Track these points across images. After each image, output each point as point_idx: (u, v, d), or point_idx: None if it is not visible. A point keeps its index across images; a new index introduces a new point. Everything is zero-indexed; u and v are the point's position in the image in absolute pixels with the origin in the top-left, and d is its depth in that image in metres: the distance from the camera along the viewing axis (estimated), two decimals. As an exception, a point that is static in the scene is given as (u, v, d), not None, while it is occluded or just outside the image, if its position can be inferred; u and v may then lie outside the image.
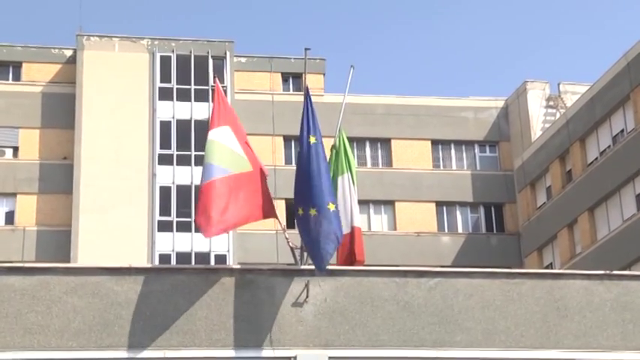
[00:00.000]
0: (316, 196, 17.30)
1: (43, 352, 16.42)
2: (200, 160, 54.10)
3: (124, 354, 16.63)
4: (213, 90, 54.29)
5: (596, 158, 49.56)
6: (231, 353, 16.85)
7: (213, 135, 17.70)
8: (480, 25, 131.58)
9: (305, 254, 17.99)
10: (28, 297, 16.95)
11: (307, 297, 17.26)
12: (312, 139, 17.57)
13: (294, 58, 58.10)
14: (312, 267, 17.62)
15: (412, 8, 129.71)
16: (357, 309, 17.30)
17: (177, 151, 56.60)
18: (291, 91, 57.05)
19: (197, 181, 55.35)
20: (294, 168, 19.19)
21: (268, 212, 17.75)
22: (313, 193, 17.32)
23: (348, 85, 22.70)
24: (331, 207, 17.35)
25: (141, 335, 16.75)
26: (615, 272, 19.68)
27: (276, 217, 18.05)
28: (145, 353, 16.67)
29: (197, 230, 17.69)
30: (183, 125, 56.89)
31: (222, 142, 17.74)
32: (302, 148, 17.96)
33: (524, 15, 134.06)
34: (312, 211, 17.35)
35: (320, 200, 17.24)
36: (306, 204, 17.25)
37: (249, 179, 17.78)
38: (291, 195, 18.57)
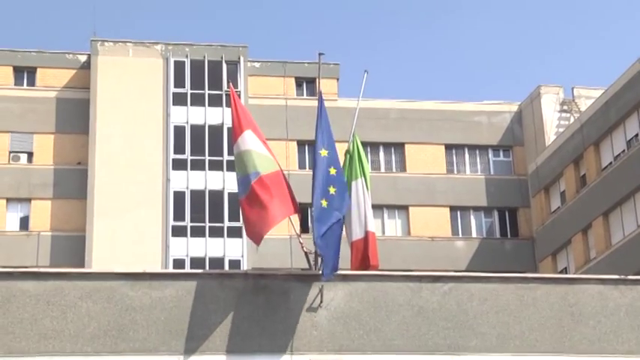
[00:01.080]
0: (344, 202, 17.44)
1: (58, 357, 16.46)
2: (214, 165, 54.52)
3: (138, 359, 16.66)
4: (227, 95, 54.54)
5: (611, 163, 49.51)
6: (246, 358, 16.88)
7: (238, 146, 17.86)
8: (493, 29, 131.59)
9: (319, 259, 18.01)
10: (43, 302, 16.98)
11: (321, 302, 17.27)
12: (324, 152, 17.61)
13: (308, 63, 58.12)
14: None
15: (426, 13, 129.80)
16: (371, 314, 17.31)
17: (191, 155, 56.63)
18: (304, 96, 57.09)
19: (211, 186, 55.71)
20: (307, 172, 19.27)
21: (296, 208, 17.80)
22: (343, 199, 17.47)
23: (362, 89, 22.67)
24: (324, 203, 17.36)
25: (156, 340, 16.78)
26: (630, 277, 19.66)
27: (299, 213, 18.12)
28: (160, 358, 16.70)
29: (246, 230, 17.59)
30: (197, 130, 56.95)
31: (248, 148, 17.73)
32: (317, 157, 18.02)
33: (537, 19, 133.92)
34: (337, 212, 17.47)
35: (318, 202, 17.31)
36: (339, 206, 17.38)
37: (277, 178, 17.81)
38: (303, 199, 18.61)
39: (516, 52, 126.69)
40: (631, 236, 46.74)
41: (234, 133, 17.91)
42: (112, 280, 17.77)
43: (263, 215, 17.33)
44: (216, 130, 56.64)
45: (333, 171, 17.79)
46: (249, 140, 17.69)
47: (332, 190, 17.70)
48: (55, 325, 16.62)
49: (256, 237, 17.36)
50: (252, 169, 17.54)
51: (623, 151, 48.23)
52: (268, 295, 17.34)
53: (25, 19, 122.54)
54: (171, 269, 48.85)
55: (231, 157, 54.58)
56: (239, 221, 54.74)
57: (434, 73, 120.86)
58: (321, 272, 17.55)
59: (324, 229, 17.07)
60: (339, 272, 17.69)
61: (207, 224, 55.46)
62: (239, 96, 21.04)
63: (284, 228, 19.90)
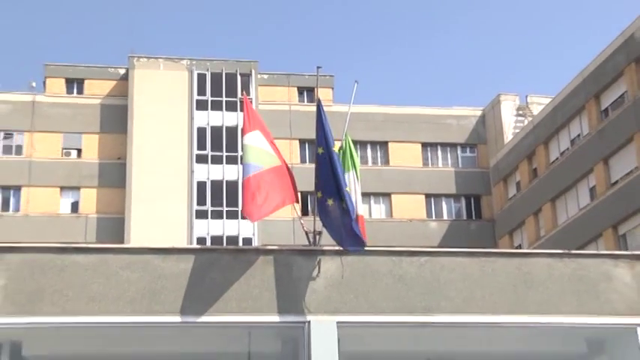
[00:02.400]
0: (333, 190, 17.54)
1: (103, 316, 16.53)
2: (230, 160, 54.48)
3: (168, 318, 16.73)
4: (241, 102, 54.58)
5: (557, 158, 49.54)
6: (256, 318, 16.94)
7: (247, 140, 17.90)
8: (462, 47, 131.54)
9: (317, 237, 18.12)
10: (91, 271, 17.06)
11: (319, 272, 17.34)
12: (320, 150, 17.78)
13: (308, 75, 58.16)
14: (323, 247, 17.75)
15: (407, 33, 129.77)
16: (359, 282, 17.39)
17: (211, 152, 56.60)
18: (305, 102, 57.09)
19: (228, 177, 55.76)
20: (308, 166, 19.38)
21: (297, 197, 17.97)
22: (331, 188, 17.58)
23: (352, 97, 22.83)
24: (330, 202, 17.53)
25: (182, 303, 16.85)
26: (572, 252, 19.76)
27: (299, 202, 18.26)
28: (186, 318, 16.76)
29: (243, 217, 17.87)
30: (216, 131, 56.94)
31: (254, 144, 17.95)
32: (318, 155, 18.18)
33: (498, 37, 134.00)
34: (330, 201, 17.57)
35: (334, 193, 17.44)
36: (326, 194, 17.48)
37: (279, 172, 18.06)
38: (304, 188, 18.72)
39: (480, 65, 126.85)
40: (573, 218, 46.82)
41: (244, 129, 18.07)
42: (147, 254, 17.85)
43: (264, 200, 17.50)
44: (232, 131, 56.68)
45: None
46: (256, 138, 17.96)
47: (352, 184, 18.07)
48: (101, 290, 16.69)
49: (250, 215, 17.41)
50: (255, 162, 17.75)
51: (568, 148, 48.29)
52: (275, 266, 17.41)
53: (75, 39, 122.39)
54: (195, 245, 48.87)
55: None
56: (250, 206, 54.76)
57: (412, 83, 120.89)
58: (318, 247, 17.70)
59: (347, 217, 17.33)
60: (334, 248, 17.81)
61: (225, 208, 55.47)
62: (251, 102, 21.24)
63: (288, 212, 19.93)
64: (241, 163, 18.03)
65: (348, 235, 17.42)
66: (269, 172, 17.92)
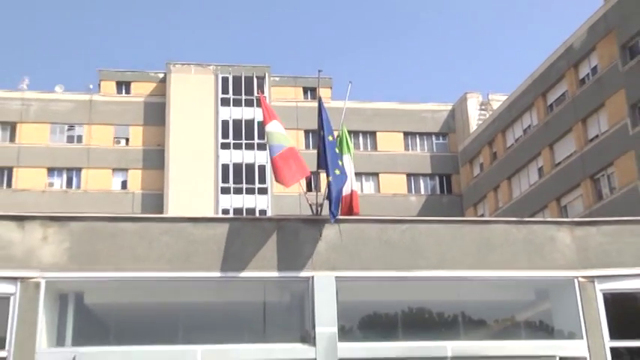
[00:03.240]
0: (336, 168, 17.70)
1: (146, 272, 16.51)
2: (248, 146, 54.42)
3: (198, 274, 16.71)
4: (257, 99, 54.65)
5: (512, 144, 49.61)
6: (269, 274, 16.92)
7: (268, 128, 18.32)
8: (435, 54, 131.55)
9: (319, 208, 18.12)
10: (137, 236, 17.05)
11: (320, 237, 17.32)
12: (331, 138, 18.08)
13: (311, 77, 58.04)
14: (324, 217, 17.77)
15: (392, 43, 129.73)
16: (354, 244, 17.37)
17: (233, 140, 56.66)
18: (309, 99, 57.06)
19: (247, 160, 55.88)
20: (311, 151, 19.41)
21: (309, 173, 18.27)
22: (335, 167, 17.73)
23: (347, 95, 22.88)
24: (337, 172, 17.69)
25: (210, 262, 16.84)
26: (524, 219, 19.80)
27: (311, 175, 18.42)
28: (212, 274, 16.75)
29: (278, 182, 17.96)
30: (237, 123, 57.01)
31: (275, 130, 18.25)
32: (320, 141, 18.32)
33: (466, 47, 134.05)
34: (337, 171, 17.67)
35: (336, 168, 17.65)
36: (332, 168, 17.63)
37: (295, 151, 18.28)
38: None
39: (451, 69, 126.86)
40: (525, 192, 46.92)
41: (264, 121, 18.70)
42: (181, 222, 17.82)
43: (293, 170, 17.79)
44: (249, 123, 56.85)
45: (338, 149, 18.23)
46: (276, 126, 18.26)
47: (341, 163, 18.07)
48: (144, 251, 16.68)
49: (285, 182, 17.68)
50: (278, 142, 18.01)
51: (521, 136, 48.38)
52: (285, 232, 17.39)
53: (123, 48, 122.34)
54: (220, 215, 48.91)
55: (260, 141, 55.26)
56: (265, 184, 54.89)
57: (396, 83, 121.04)
58: (320, 217, 17.71)
59: (337, 189, 17.43)
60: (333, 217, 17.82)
61: (244, 186, 55.57)
62: (266, 99, 21.40)
63: (295, 188, 19.92)
64: (268, 145, 18.17)
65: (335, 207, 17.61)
66: (290, 149, 18.21)
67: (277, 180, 18.39)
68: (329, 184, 17.84)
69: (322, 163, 18.14)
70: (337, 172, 17.91)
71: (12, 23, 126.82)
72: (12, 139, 55.71)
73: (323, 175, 18.55)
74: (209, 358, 16.69)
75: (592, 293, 17.68)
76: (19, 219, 16.92)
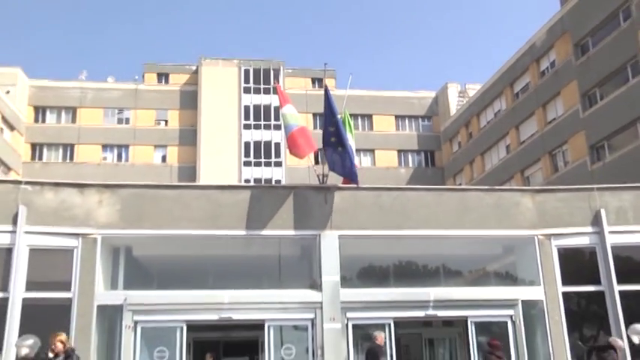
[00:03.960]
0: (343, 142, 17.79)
1: (182, 230, 16.57)
2: (266, 127, 54.28)
3: (225, 232, 16.77)
4: (274, 88, 54.46)
5: (485, 125, 49.40)
6: (284, 232, 16.98)
7: (284, 110, 18.59)
8: (423, 50, 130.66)
9: (325, 178, 18.13)
10: (174, 201, 17.11)
11: (326, 201, 17.37)
12: (340, 116, 18.50)
13: (319, 70, 57.83)
14: (329, 185, 17.81)
15: (387, 41, 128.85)
16: (353, 208, 17.41)
17: (253, 121, 56.40)
18: (317, 88, 56.66)
19: (265, 139, 55.65)
20: (318, 131, 19.45)
21: (316, 148, 18.42)
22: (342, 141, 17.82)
23: (348, 84, 22.94)
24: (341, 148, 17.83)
25: (235, 222, 16.87)
26: (494, 187, 19.82)
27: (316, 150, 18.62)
28: (237, 232, 16.82)
29: (293, 154, 18.04)
30: (257, 107, 56.70)
31: (290, 112, 18.51)
32: (326, 121, 18.40)
33: (449, 44, 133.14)
34: (340, 148, 17.74)
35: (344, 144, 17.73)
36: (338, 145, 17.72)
37: (305, 129, 18.57)
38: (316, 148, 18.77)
39: (435, 62, 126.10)
40: (495, 166, 46.76)
41: (280, 105, 19.06)
42: (211, 190, 17.88)
43: (305, 144, 17.91)
44: (267, 108, 56.50)
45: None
46: (290, 109, 18.55)
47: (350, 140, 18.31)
48: (180, 213, 16.74)
49: (299, 155, 18.05)
50: (293, 122, 18.24)
51: (492, 119, 48.19)
52: (297, 198, 17.43)
53: (162, 45, 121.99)
54: (243, 183, 48.96)
55: (276, 122, 55.13)
56: (280, 158, 54.91)
57: (390, 73, 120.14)
58: (326, 185, 17.75)
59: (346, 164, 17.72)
60: (337, 185, 17.86)
61: (263, 159, 55.34)
62: (281, 88, 21.44)
63: (305, 161, 19.94)
64: (283, 125, 18.30)
65: (351, 173, 17.70)
66: (302, 128, 18.44)
67: (292, 152, 18.47)
68: (339, 158, 18.03)
69: (327, 142, 18.26)
70: (347, 151, 18.15)
71: (72, 27, 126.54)
72: (73, 120, 55.66)
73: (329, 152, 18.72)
74: (234, 301, 16.82)
75: (548, 248, 17.77)
76: (80, 186, 17.01)
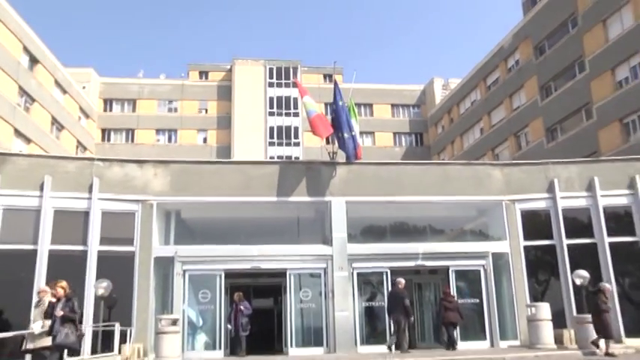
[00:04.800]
0: (346, 129, 17.72)
1: (220, 197, 16.62)
2: (287, 114, 54.03)
3: (255, 199, 16.81)
4: (294, 83, 54.14)
5: (463, 112, 49.04)
6: (301, 199, 16.99)
7: (304, 100, 18.55)
8: (413, 50, 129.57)
9: (334, 155, 18.09)
10: (213, 174, 17.13)
11: (335, 174, 17.36)
12: (341, 103, 18.19)
13: (329, 67, 57.24)
14: (338, 161, 17.79)
15: (385, 42, 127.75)
16: (357, 179, 17.39)
17: (276, 110, 56.07)
18: (327, 83, 56.13)
19: (286, 124, 55.42)
20: (327, 117, 19.30)
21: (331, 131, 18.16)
22: (345, 127, 17.75)
23: (353, 79, 23.13)
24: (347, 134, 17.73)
25: (262, 191, 16.88)
26: (470, 162, 19.78)
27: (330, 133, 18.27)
28: (264, 198, 16.85)
29: (315, 134, 18.02)
30: (279, 99, 56.19)
31: (309, 101, 18.45)
32: (336, 109, 18.32)
33: (435, 45, 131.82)
34: (345, 134, 17.68)
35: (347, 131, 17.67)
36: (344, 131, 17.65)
37: (322, 114, 18.76)
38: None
39: (424, 61, 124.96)
40: (471, 145, 46.40)
41: (301, 95, 19.16)
42: (243, 165, 17.93)
43: (324, 128, 17.85)
44: (288, 99, 55.98)
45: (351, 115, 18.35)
46: (308, 99, 18.52)
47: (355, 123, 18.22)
48: (219, 183, 16.77)
49: (320, 136, 17.95)
50: (312, 109, 18.20)
51: (469, 107, 47.78)
52: (312, 171, 17.42)
53: (203, 48, 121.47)
54: (269, 159, 48.93)
55: (295, 111, 55.01)
56: (298, 139, 54.72)
57: (387, 69, 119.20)
58: (335, 161, 17.73)
59: (352, 142, 17.66)
60: (344, 161, 17.82)
61: (284, 140, 55.05)
62: (299, 82, 21.32)
63: (318, 141, 19.94)
64: (305, 110, 18.21)
65: (351, 154, 17.65)
66: (319, 114, 18.45)
67: (314, 134, 18.39)
68: (345, 139, 18.00)
69: (336, 126, 18.20)
70: (353, 133, 18.10)
71: (133, 34, 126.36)
72: (133, 110, 55.56)
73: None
74: (262, 254, 16.90)
75: (513, 211, 17.73)
76: (139, 162, 17.07)
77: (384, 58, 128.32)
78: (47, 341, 12.55)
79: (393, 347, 15.24)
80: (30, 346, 12.38)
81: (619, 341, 16.24)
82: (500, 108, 43.11)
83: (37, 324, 12.51)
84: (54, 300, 10.01)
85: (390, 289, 16.42)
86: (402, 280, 15.65)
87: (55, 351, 9.56)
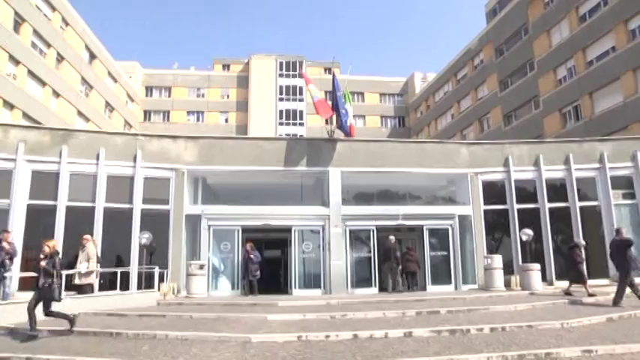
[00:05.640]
0: (342, 112, 17.61)
1: (238, 166, 16.55)
2: (294, 100, 53.30)
3: (267, 168, 16.74)
4: (300, 74, 53.67)
5: (438, 100, 48.69)
6: (305, 169, 16.91)
7: (309, 87, 18.42)
8: (398, 46, 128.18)
9: (332, 133, 17.99)
10: (234, 148, 17.01)
11: (333, 149, 17.28)
12: (340, 93, 18.16)
13: (328, 61, 56.69)
14: (336, 138, 17.67)
15: (374, 40, 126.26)
16: (351, 153, 17.29)
17: (285, 96, 55.62)
18: (327, 74, 55.60)
19: (293, 108, 55.02)
20: (327, 102, 19.10)
21: (332, 113, 18.13)
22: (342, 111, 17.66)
23: (348, 71, 22.83)
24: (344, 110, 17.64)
25: (273, 162, 16.79)
26: (443, 140, 19.63)
27: (331, 115, 18.20)
28: (274, 168, 16.74)
29: (318, 114, 17.97)
30: (287, 87, 55.74)
31: (313, 88, 18.46)
32: (333, 96, 18.17)
33: (415, 46, 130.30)
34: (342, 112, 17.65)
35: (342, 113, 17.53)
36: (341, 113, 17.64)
37: (324, 100, 18.69)
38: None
39: (408, 59, 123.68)
40: (444, 127, 46.22)
41: (306, 83, 19.04)
42: (257, 140, 17.76)
43: (325, 110, 17.85)
44: (295, 87, 55.48)
45: (344, 100, 18.23)
46: (313, 87, 18.38)
47: (345, 109, 18.06)
48: (237, 155, 16.68)
49: (323, 116, 17.96)
50: (317, 94, 18.20)
51: (442, 96, 47.46)
52: (313, 146, 17.32)
53: (225, 44, 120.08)
54: (278, 136, 48.73)
55: (300, 97, 54.63)
56: (302, 120, 54.34)
57: (376, 63, 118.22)
58: (334, 138, 17.62)
59: (345, 121, 17.68)
60: (341, 137, 17.71)
61: (291, 121, 54.76)
62: (305, 74, 20.98)
63: (319, 122, 19.85)
64: (311, 96, 18.10)
65: (344, 129, 17.69)
66: (322, 99, 18.49)
67: (318, 114, 18.25)
68: (341, 119, 17.95)
69: (334, 109, 18.07)
70: (344, 110, 18.01)
71: (168, 32, 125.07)
72: (169, 96, 55.16)
73: (334, 117, 18.50)
74: (272, 213, 16.87)
75: (476, 181, 17.69)
76: (173, 137, 16.96)
77: (374, 55, 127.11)
78: (90, 279, 12.74)
79: (390, 287, 16.19)
80: (77, 282, 12.66)
81: (551, 284, 16.55)
82: (468, 98, 42.93)
83: (83, 265, 12.67)
84: (42, 256, 9.78)
85: (376, 243, 16.75)
86: (392, 238, 16.60)
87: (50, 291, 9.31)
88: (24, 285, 13.26)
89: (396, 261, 16.45)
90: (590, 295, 13.03)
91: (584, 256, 14.44)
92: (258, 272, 16.20)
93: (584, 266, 14.30)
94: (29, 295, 9.36)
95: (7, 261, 12.02)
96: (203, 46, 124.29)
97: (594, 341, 7.56)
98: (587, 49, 28.73)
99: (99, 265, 13.58)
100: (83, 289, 12.86)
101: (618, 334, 8.18)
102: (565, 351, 6.89)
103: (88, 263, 12.92)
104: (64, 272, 11.78)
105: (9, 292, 12.17)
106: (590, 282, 14.18)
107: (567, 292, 13.71)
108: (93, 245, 13.34)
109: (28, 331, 8.95)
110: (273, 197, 17.32)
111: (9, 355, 7.12)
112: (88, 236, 13.63)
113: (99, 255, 13.90)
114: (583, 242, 15.08)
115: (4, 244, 12.08)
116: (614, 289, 12.28)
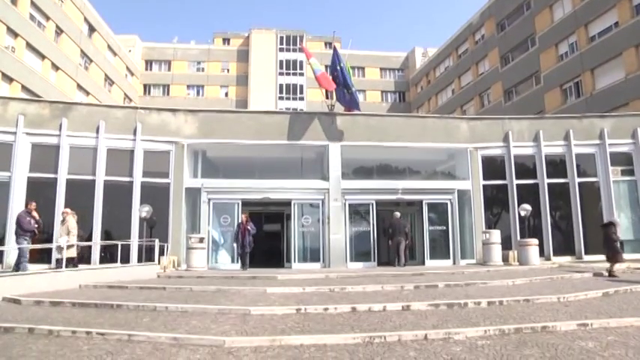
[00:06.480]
0: (348, 85, 17.52)
1: (239, 140, 16.47)
2: (294, 74, 52.93)
3: (268, 142, 16.63)
4: (300, 49, 53.11)
5: (439, 75, 48.29)
6: (305, 142, 16.82)
7: (311, 61, 18.34)
8: (398, 22, 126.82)
9: (332, 107, 17.87)
10: (234, 121, 16.90)
11: (333, 123, 17.18)
12: (344, 65, 18.01)
13: (329, 36, 56.07)
14: (336, 112, 17.54)
15: (376, 14, 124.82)
16: (351, 126, 17.21)
17: (285, 70, 55.13)
18: (328, 49, 55.03)
19: (293, 82, 54.59)
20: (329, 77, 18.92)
21: (333, 86, 17.91)
22: (347, 85, 17.55)
23: (349, 46, 22.54)
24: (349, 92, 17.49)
25: (274, 135, 16.68)
26: (443, 115, 19.51)
27: (332, 89, 17.99)
28: (275, 141, 16.67)
29: (319, 86, 17.87)
30: (288, 62, 55.22)
31: (315, 62, 18.33)
32: (335, 70, 18.01)
33: (414, 24, 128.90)
34: (349, 92, 17.50)
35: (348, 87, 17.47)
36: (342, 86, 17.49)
37: (325, 73, 18.48)
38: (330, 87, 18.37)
39: (408, 34, 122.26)
40: (444, 102, 45.93)
41: (307, 57, 18.83)
42: (258, 114, 17.64)
43: (327, 83, 17.64)
44: (295, 62, 54.95)
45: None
46: (314, 60, 18.26)
47: (351, 84, 17.94)
48: (238, 128, 16.58)
49: (326, 88, 17.75)
50: (318, 68, 18.04)
51: (443, 71, 47.06)
52: (313, 120, 17.22)
53: (226, 17, 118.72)
54: (279, 110, 48.49)
55: (301, 71, 54.11)
56: (303, 94, 53.90)
57: (377, 37, 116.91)
58: (333, 112, 17.48)
59: (354, 98, 17.74)
60: (341, 112, 17.60)
61: (291, 95, 54.39)
62: (306, 48, 20.71)
63: (319, 96, 19.69)
64: (312, 69, 17.93)
65: (353, 105, 17.60)
66: (323, 72, 18.18)
67: (320, 86, 18.09)
68: (353, 92, 17.89)
69: (339, 83, 17.90)
70: (353, 89, 17.94)
71: (169, 6, 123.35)
72: (168, 69, 54.69)
73: (334, 91, 18.35)
74: (271, 187, 16.88)
75: (476, 156, 17.63)
76: (173, 111, 16.85)
77: (375, 29, 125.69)
78: (71, 252, 12.76)
79: (397, 262, 16.20)
80: (58, 256, 12.72)
81: (548, 259, 16.62)
82: (469, 73, 42.56)
83: (63, 239, 12.65)
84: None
85: (375, 217, 16.83)
86: (398, 214, 16.76)
87: None
88: (31, 257, 13.23)
89: (405, 236, 16.29)
90: (612, 275, 12.43)
91: (619, 234, 13.50)
92: (252, 245, 15.95)
93: (619, 245, 13.34)
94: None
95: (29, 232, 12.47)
96: (203, 20, 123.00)
97: (590, 315, 7.59)
98: (589, 25, 28.37)
99: (79, 238, 13.50)
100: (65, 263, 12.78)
101: (613, 308, 8.22)
102: (561, 324, 6.91)
103: (68, 237, 12.82)
104: (46, 246, 12.62)
105: (27, 264, 12.16)
106: (627, 256, 14.02)
107: (611, 274, 12.61)
108: (73, 219, 13.17)
109: None
110: (273, 171, 17.27)
111: (13, 325, 7.17)
112: (67, 210, 13.42)
113: (79, 229, 13.68)
114: (618, 220, 14.57)
115: (35, 214, 12.52)
116: None
